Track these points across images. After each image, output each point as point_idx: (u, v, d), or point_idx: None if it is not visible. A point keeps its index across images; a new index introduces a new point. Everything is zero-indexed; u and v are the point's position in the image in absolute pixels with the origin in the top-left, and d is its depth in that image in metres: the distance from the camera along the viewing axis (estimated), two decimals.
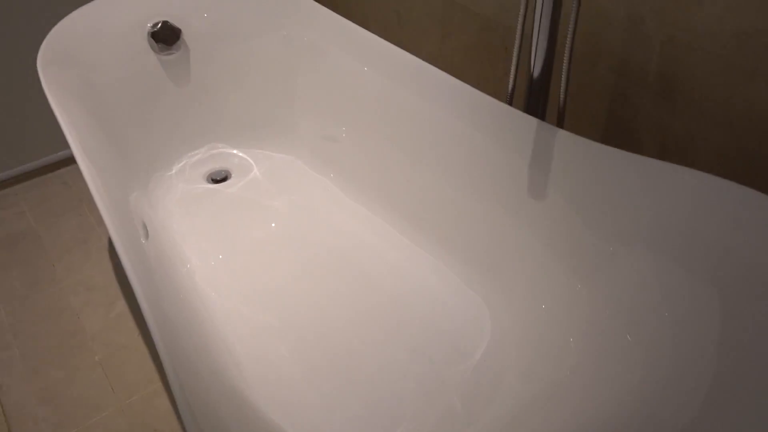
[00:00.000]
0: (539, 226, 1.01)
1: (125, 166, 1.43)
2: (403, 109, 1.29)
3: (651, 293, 0.75)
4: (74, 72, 1.34)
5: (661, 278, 0.75)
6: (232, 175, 1.54)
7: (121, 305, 1.42)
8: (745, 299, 0.64)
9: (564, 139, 0.96)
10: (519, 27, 1.00)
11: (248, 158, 1.58)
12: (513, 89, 1.08)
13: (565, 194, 0.95)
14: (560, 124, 1.03)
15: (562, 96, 1.01)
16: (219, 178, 1.54)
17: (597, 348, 0.81)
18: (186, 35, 1.47)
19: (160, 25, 1.43)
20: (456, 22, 1.38)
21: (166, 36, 1.44)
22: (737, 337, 0.61)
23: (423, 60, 1.26)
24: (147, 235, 1.21)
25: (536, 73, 1.04)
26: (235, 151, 1.59)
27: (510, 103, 1.09)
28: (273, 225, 1.40)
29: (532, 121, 1.01)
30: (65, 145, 1.81)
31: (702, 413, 0.56)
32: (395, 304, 1.18)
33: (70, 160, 1.84)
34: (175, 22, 1.45)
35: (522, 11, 0.99)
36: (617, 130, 1.12)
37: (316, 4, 1.43)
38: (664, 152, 1.05)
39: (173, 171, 1.54)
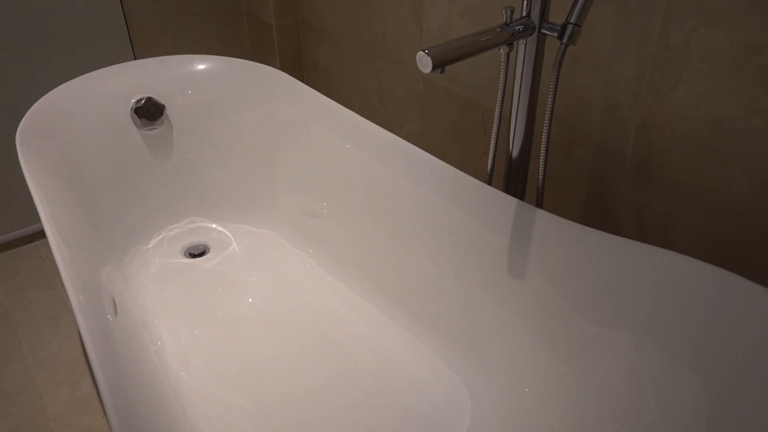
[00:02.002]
0: (520, 306, 0.99)
1: (100, 240, 1.40)
2: (383, 186, 1.30)
3: (636, 377, 0.73)
4: (54, 146, 1.33)
5: (645, 362, 0.73)
6: (210, 250, 1.51)
7: (88, 384, 1.36)
8: (728, 386, 0.62)
9: (543, 218, 0.96)
10: (497, 110, 1.02)
11: (227, 233, 1.56)
12: (492, 169, 1.09)
13: (546, 274, 0.94)
14: (539, 204, 1.03)
15: (540, 177, 1.01)
16: (197, 252, 1.51)
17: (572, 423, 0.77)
18: (170, 111, 1.48)
19: (144, 100, 1.44)
20: (437, 102, 1.40)
21: (149, 111, 1.45)
22: (721, 426, 0.59)
23: (404, 138, 1.27)
24: (116, 312, 1.17)
25: (515, 153, 1.05)
26: (214, 226, 1.57)
27: (489, 183, 1.09)
28: (250, 301, 1.36)
29: (511, 201, 1.01)
30: (39, 217, 1.78)
31: None
32: (373, 387, 1.14)
33: (44, 233, 1.81)
34: (159, 98, 1.46)
35: (500, 94, 1.00)
36: (596, 210, 1.12)
37: (298, 82, 1.46)
38: (642, 233, 1.05)
39: (150, 245, 1.51)
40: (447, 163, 1.15)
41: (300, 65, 1.85)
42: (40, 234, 1.81)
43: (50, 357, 1.42)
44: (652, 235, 1.04)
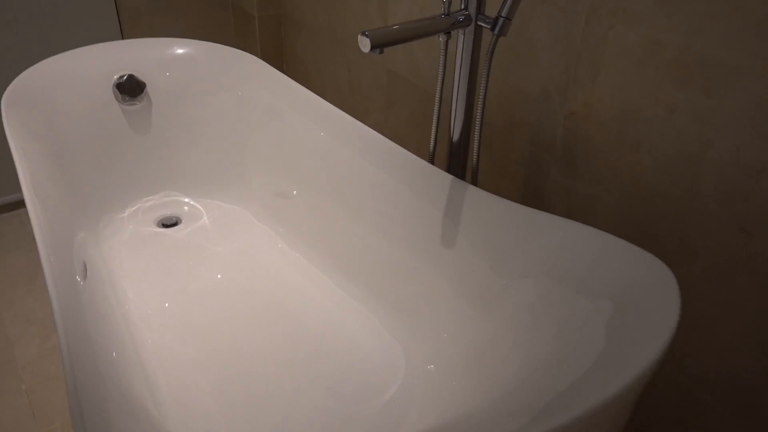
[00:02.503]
0: (449, 271, 1.08)
1: (77, 206, 1.49)
2: (346, 169, 1.39)
3: (536, 313, 0.84)
4: (37, 114, 1.42)
5: (544, 300, 0.85)
6: (182, 221, 1.61)
7: (57, 338, 1.44)
8: (606, 310, 0.73)
9: (471, 193, 1.06)
10: (438, 93, 1.11)
11: (199, 207, 1.65)
12: (434, 149, 1.18)
13: (470, 240, 1.04)
14: (474, 181, 1.13)
15: (474, 158, 1.11)
16: (169, 223, 1.60)
17: (492, 363, 0.88)
18: (150, 89, 1.58)
19: (126, 77, 1.53)
20: (398, 93, 1.50)
21: (130, 87, 1.55)
22: (603, 338, 0.70)
23: (370, 126, 1.37)
24: (86, 275, 1.26)
25: (455, 137, 1.14)
26: (187, 200, 1.66)
27: (432, 162, 1.19)
28: (213, 269, 1.45)
29: (447, 178, 1.11)
30: None
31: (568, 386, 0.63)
32: (317, 347, 1.23)
33: None
34: (141, 76, 1.56)
35: (440, 78, 1.10)
36: (533, 193, 1.22)
37: (273, 69, 1.56)
38: (570, 214, 1.15)
39: (125, 214, 1.60)
40: (406, 149, 1.24)
41: (280, 56, 1.95)
42: (23, 202, 1.90)
43: (24, 312, 1.51)
44: (578, 215, 1.13)
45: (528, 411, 0.57)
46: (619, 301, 0.73)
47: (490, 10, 1.12)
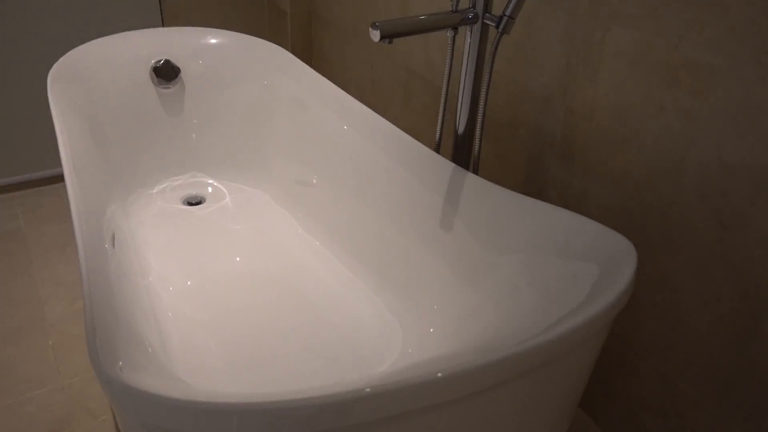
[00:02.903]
0: (446, 252, 1.15)
1: (110, 180, 1.60)
2: (362, 159, 1.47)
3: (517, 282, 0.92)
4: (80, 91, 1.54)
5: (524, 270, 0.93)
6: (206, 201, 1.70)
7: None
8: (569, 270, 0.81)
9: (471, 181, 1.12)
10: (444, 86, 1.19)
11: (223, 188, 1.75)
12: (440, 141, 1.26)
13: (465, 223, 1.11)
14: (475, 171, 1.20)
15: (477, 149, 1.17)
16: (194, 201, 1.70)
17: (476, 328, 0.96)
18: (184, 74, 1.68)
19: (162, 62, 1.64)
20: (415, 89, 1.58)
21: (166, 72, 1.65)
22: (561, 299, 0.78)
23: (389, 120, 1.44)
24: (113, 245, 1.36)
25: (461, 129, 1.21)
26: (211, 181, 1.76)
27: (438, 151, 1.26)
28: (232, 245, 1.55)
29: (449, 166, 1.18)
30: None
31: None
32: (320, 319, 1.31)
33: None
34: (176, 62, 1.67)
35: (447, 71, 1.17)
36: (533, 186, 1.28)
37: (299, 61, 1.65)
38: (566, 206, 1.21)
39: (154, 191, 1.71)
40: (420, 141, 1.32)
41: (309, 51, 2.04)
42: (62, 177, 2.02)
43: (55, 276, 1.63)
44: (573, 207, 1.19)
45: (502, 348, 0.64)
46: (588, 267, 0.80)
47: (497, 9, 1.19)
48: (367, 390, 0.59)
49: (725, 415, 1.02)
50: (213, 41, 1.69)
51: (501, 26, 1.06)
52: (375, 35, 1.01)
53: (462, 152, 1.24)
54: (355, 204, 1.47)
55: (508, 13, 1.05)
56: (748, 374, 0.97)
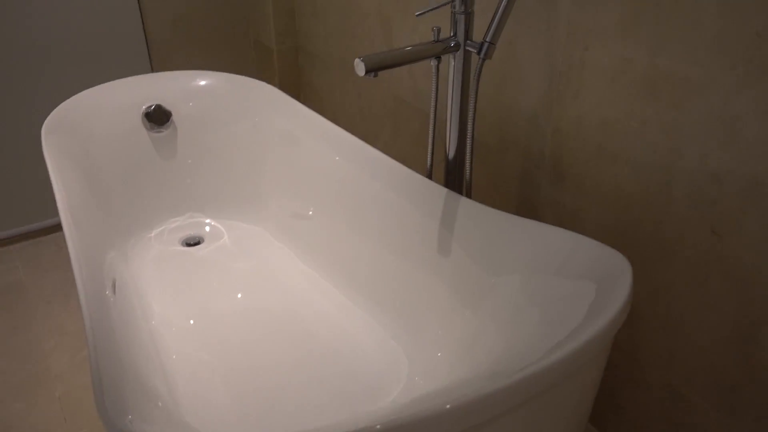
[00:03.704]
0: (444, 276, 1.16)
1: (108, 227, 1.61)
2: (357, 188, 1.48)
3: (518, 302, 0.93)
4: (73, 141, 1.56)
5: (525, 291, 0.93)
6: (204, 240, 1.71)
7: None
8: (569, 289, 0.82)
9: (465, 204, 1.14)
10: (432, 113, 1.20)
11: (220, 227, 1.76)
12: (431, 167, 1.27)
13: (463, 246, 1.12)
14: (468, 194, 1.21)
15: (468, 172, 1.19)
16: (192, 242, 1.71)
17: (481, 351, 0.97)
18: (175, 117, 1.71)
19: (153, 107, 1.66)
20: (404, 116, 1.60)
21: (158, 116, 1.68)
22: (562, 318, 0.79)
23: (379, 149, 1.46)
24: (114, 291, 1.36)
25: (451, 154, 1.23)
26: (209, 221, 1.78)
27: (429, 177, 1.27)
28: (233, 283, 1.55)
29: (442, 191, 1.20)
30: None
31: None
32: (326, 352, 1.31)
33: None
34: (167, 106, 1.69)
35: (433, 99, 1.19)
36: (526, 206, 1.29)
37: (289, 97, 1.67)
38: (560, 224, 1.22)
39: (153, 234, 1.72)
40: (411, 167, 1.33)
41: (297, 85, 2.07)
42: (60, 226, 2.03)
43: (59, 326, 1.63)
44: (567, 225, 1.20)
45: (508, 373, 0.65)
46: (586, 285, 0.82)
47: (478, 36, 1.21)
48: (378, 427, 0.59)
49: (734, 420, 1.02)
50: (203, 83, 1.72)
51: (483, 52, 1.08)
52: (360, 69, 1.03)
53: (454, 177, 1.26)
54: (352, 234, 1.48)
55: (488, 39, 1.07)
56: (754, 378, 0.97)
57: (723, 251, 0.95)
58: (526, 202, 1.29)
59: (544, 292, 0.93)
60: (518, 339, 0.90)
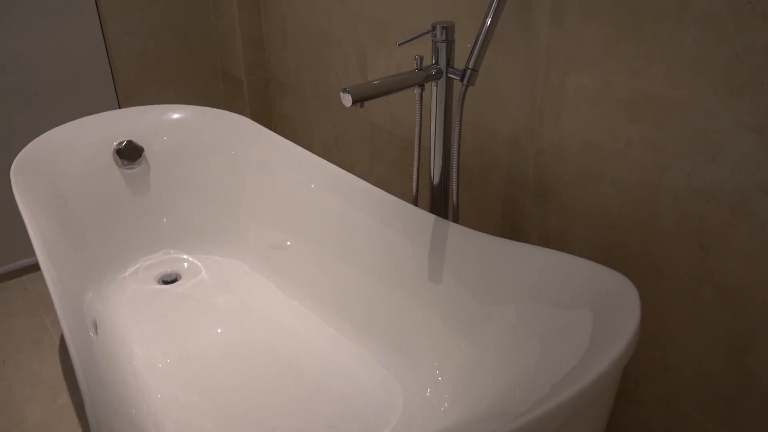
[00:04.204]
0: (436, 304, 1.15)
1: (84, 267, 1.56)
2: (337, 216, 1.47)
3: (517, 333, 0.91)
4: (44, 180, 1.51)
5: (522, 320, 0.92)
6: (182, 277, 1.67)
7: (65, 398, 1.49)
8: (571, 318, 0.81)
9: (454, 230, 1.14)
10: (416, 140, 1.21)
11: (197, 262, 1.72)
12: (417, 194, 1.27)
13: (454, 273, 1.11)
14: (455, 220, 1.21)
15: (454, 197, 1.20)
16: (169, 279, 1.67)
17: (481, 383, 0.95)
18: (148, 153, 1.67)
19: (125, 143, 1.63)
20: (381, 143, 1.60)
21: (129, 152, 1.64)
22: (566, 342, 0.77)
23: (358, 175, 1.46)
24: (96, 332, 1.32)
25: (436, 179, 1.23)
26: (186, 256, 1.73)
27: (415, 204, 1.27)
28: (214, 320, 1.51)
29: (430, 218, 1.19)
30: (26, 253, 1.95)
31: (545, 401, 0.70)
32: (318, 389, 1.28)
33: (30, 268, 1.97)
34: (139, 141, 1.65)
35: (417, 127, 1.20)
36: (511, 229, 1.30)
37: (262, 128, 1.66)
38: (547, 244, 1.23)
39: (127, 273, 1.67)
40: (392, 194, 1.33)
41: (269, 115, 2.06)
42: (27, 269, 1.96)
43: (32, 375, 1.56)
44: (554, 245, 1.21)
45: (508, 414, 0.63)
46: (588, 312, 0.81)
47: (459, 63, 1.23)
48: None
49: (730, 431, 1.03)
50: (175, 116, 1.69)
51: (465, 79, 1.09)
52: (346, 100, 1.02)
53: (439, 203, 1.26)
54: (335, 263, 1.46)
55: (471, 65, 1.09)
56: (748, 389, 0.99)
57: (712, 265, 0.97)
58: (511, 224, 1.30)
59: (544, 320, 0.92)
60: (520, 372, 0.89)
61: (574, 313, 0.88)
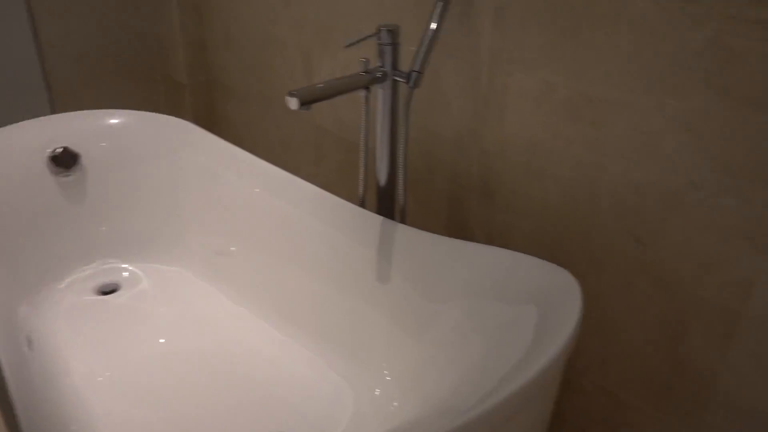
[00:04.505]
0: (384, 305, 1.17)
1: (16, 281, 1.49)
2: (283, 220, 1.46)
3: (462, 329, 0.93)
4: None
5: (469, 317, 0.95)
6: (121, 287, 1.62)
7: None
8: (514, 313, 0.84)
9: (402, 231, 1.15)
10: (362, 143, 1.22)
11: (138, 271, 1.67)
12: (364, 194, 1.28)
13: (402, 273, 1.13)
14: (403, 220, 1.23)
15: (401, 199, 1.21)
16: (108, 290, 1.61)
17: (430, 381, 0.96)
18: (85, 159, 1.62)
19: (60, 150, 1.57)
20: (327, 146, 1.60)
21: (64, 159, 1.58)
22: (511, 336, 0.80)
23: (304, 178, 1.44)
24: (31, 348, 1.26)
25: (382, 181, 1.24)
26: (125, 265, 1.68)
27: (362, 206, 1.28)
28: (156, 331, 1.48)
29: (377, 219, 1.20)
30: None
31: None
32: (267, 394, 1.27)
33: None
34: (75, 147, 1.60)
35: (363, 130, 1.21)
36: (456, 227, 1.33)
37: (205, 132, 1.63)
38: (491, 241, 1.26)
39: (63, 284, 1.61)
40: (337, 196, 1.33)
41: (212, 119, 2.03)
42: None
43: None
44: (498, 242, 1.24)
45: (457, 409, 0.65)
46: (532, 306, 0.84)
47: (404, 65, 1.25)
48: None
49: (667, 416, 1.08)
50: (113, 122, 1.64)
51: (411, 81, 1.11)
52: (293, 103, 1.02)
53: (386, 204, 1.27)
54: (284, 268, 1.45)
55: (416, 68, 1.10)
56: (682, 374, 1.04)
57: (647, 258, 1.02)
58: (455, 222, 1.32)
59: (489, 317, 0.95)
60: (468, 367, 0.91)
61: (519, 308, 0.90)
